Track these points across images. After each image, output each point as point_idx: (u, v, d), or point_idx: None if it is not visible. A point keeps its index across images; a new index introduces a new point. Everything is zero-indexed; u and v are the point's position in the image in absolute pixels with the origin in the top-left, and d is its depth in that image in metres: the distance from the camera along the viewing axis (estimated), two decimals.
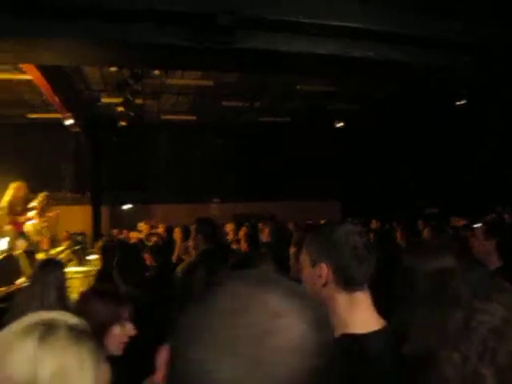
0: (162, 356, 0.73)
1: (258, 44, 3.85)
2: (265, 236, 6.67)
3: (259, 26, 3.79)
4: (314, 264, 1.70)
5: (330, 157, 16.48)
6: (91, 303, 1.97)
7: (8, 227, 9.82)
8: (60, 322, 1.19)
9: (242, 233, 7.19)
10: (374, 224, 11.00)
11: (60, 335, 1.16)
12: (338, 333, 1.61)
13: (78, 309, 1.75)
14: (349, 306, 1.64)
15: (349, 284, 1.66)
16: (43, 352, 1.12)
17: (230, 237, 8.85)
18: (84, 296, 2.14)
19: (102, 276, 4.44)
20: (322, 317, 0.66)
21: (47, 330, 1.15)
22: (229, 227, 9.44)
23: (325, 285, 1.66)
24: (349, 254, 1.66)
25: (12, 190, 9.75)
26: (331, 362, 0.61)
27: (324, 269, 1.66)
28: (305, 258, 1.76)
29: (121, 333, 2.07)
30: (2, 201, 9.72)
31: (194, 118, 14.97)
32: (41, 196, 10.93)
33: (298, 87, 11.89)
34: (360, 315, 1.64)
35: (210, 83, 11.46)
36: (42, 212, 10.87)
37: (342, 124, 15.11)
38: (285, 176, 16.20)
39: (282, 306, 0.62)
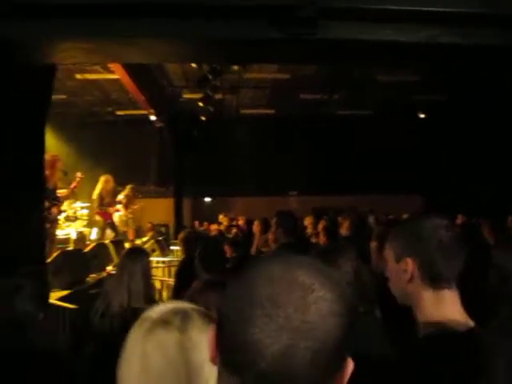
0: (210, 336, 0.78)
1: (341, 34, 3.75)
2: (344, 230, 6.55)
3: (343, 16, 3.69)
4: (398, 259, 1.65)
5: (412, 149, 15.89)
6: (206, 294, 2.01)
7: (97, 218, 10.42)
8: (191, 310, 1.20)
9: (320, 226, 7.11)
10: (460, 219, 10.48)
11: (199, 322, 1.17)
12: (423, 330, 1.55)
13: (193, 299, 1.79)
14: (435, 303, 1.58)
15: (435, 280, 1.59)
16: (192, 338, 1.13)
17: (309, 230, 8.78)
18: (197, 287, 2.19)
19: (184, 266, 4.58)
20: (343, 286, 0.77)
21: (185, 318, 1.16)
22: (308, 220, 9.37)
23: (410, 280, 1.61)
24: (435, 248, 1.58)
25: (101, 183, 10.33)
26: (354, 321, 0.75)
27: (409, 264, 1.61)
28: (389, 253, 1.71)
29: None
30: (93, 193, 10.31)
31: (272, 111, 15.02)
32: (127, 189, 11.50)
33: (378, 77, 11.56)
34: (447, 313, 1.56)
35: (287, 76, 11.44)
36: (128, 204, 11.45)
37: (425, 115, 14.51)
38: (364, 169, 15.86)
39: (312, 281, 0.72)
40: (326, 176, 16.21)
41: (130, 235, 11.98)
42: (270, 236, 4.89)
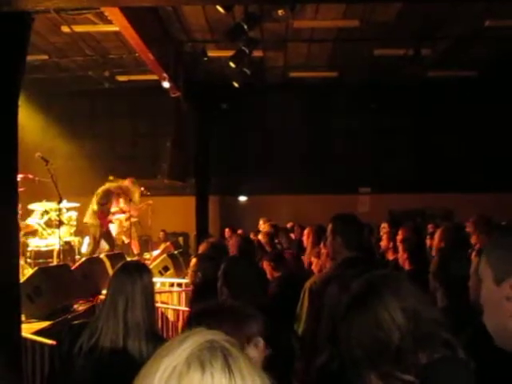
0: None
1: None
2: (435, 241, 6.45)
3: None
4: (499, 281, 1.62)
5: None
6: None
7: (94, 222, 10.67)
8: (227, 343, 1.24)
9: (399, 237, 7.02)
10: None
11: (243, 362, 1.21)
12: None
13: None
14: None
15: None
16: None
17: (384, 243, 8.72)
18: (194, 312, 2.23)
19: (203, 290, 4.61)
20: None
21: (227, 355, 1.20)
22: (383, 229, 9.32)
23: None
24: None
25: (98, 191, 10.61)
26: None
27: None
28: (485, 272, 1.68)
29: (256, 355, 2.16)
30: (93, 202, 10.59)
31: (334, 74, 14.94)
32: (127, 183, 11.70)
33: (486, 23, 11.30)
34: None
35: (356, 23, 11.32)
36: (127, 202, 11.67)
37: None
38: (465, 157, 15.55)
39: None
40: (410, 167, 15.99)
41: (135, 247, 12.20)
42: (323, 249, 4.86)
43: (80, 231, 11.05)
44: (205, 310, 2.44)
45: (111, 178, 11.25)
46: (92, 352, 3.00)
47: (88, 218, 10.88)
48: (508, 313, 1.59)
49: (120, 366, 2.79)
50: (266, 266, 6.54)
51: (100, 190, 10.69)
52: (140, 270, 3.30)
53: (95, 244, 10.47)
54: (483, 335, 1.69)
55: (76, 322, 3.49)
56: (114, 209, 11.30)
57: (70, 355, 3.03)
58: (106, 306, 3.18)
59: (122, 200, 11.59)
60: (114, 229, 11.59)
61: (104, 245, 10.62)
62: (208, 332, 1.29)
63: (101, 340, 3.02)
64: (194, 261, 5.16)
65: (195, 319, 2.28)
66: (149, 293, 3.20)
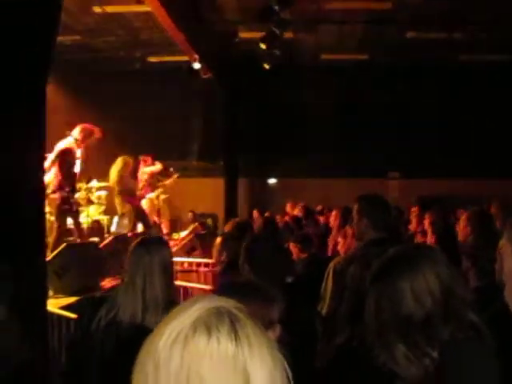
0: None
1: None
2: (461, 227, 6.32)
3: None
4: None
5: None
6: None
7: (126, 207, 10.68)
8: (235, 310, 1.23)
9: (427, 220, 6.94)
10: None
11: (251, 328, 1.20)
12: None
13: None
14: None
15: None
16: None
17: (413, 226, 8.67)
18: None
19: (228, 269, 4.57)
20: None
21: (234, 322, 1.18)
22: (413, 212, 9.26)
23: None
24: None
25: (119, 167, 10.51)
26: None
27: None
28: (506, 249, 1.62)
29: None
30: (111, 179, 10.55)
31: (365, 57, 14.80)
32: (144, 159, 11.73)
33: None
34: None
35: (389, 5, 11.17)
36: (151, 182, 11.71)
37: None
38: (497, 142, 15.28)
39: None
40: (441, 150, 15.78)
41: (165, 227, 12.26)
42: (349, 230, 4.79)
43: (110, 210, 11.10)
44: (231, 285, 2.40)
45: (140, 157, 11.27)
46: (110, 326, 2.99)
47: (118, 206, 10.85)
48: None
49: (138, 340, 2.77)
50: (292, 247, 6.52)
51: (116, 177, 10.57)
52: (158, 244, 3.28)
53: (132, 225, 10.47)
54: (504, 314, 1.63)
55: (96, 295, 3.49)
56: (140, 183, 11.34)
57: (89, 329, 3.03)
58: (124, 280, 3.17)
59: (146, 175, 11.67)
60: (146, 206, 11.62)
61: (139, 226, 10.66)
62: (216, 298, 1.27)
63: (119, 314, 3.01)
64: (218, 240, 5.14)
65: (220, 294, 2.25)
66: (167, 267, 3.18)
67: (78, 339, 3.30)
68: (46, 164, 8.70)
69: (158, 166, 12.17)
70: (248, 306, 1.45)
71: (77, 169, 9.14)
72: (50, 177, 8.66)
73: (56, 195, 8.63)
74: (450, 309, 1.99)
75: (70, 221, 9.04)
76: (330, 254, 6.91)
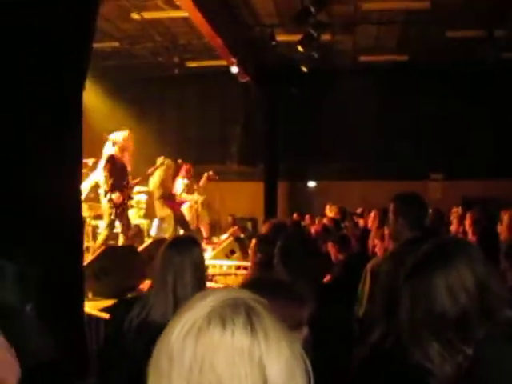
0: None
1: None
2: (504, 228, 6.20)
3: None
4: None
5: None
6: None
7: (166, 211, 10.76)
8: (253, 302, 1.22)
9: (468, 221, 6.82)
10: None
11: (269, 320, 1.19)
12: None
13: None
14: None
15: None
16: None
17: (454, 227, 8.56)
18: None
19: (262, 270, 4.56)
20: None
21: (251, 314, 1.17)
22: (454, 213, 9.15)
23: None
24: None
25: (161, 170, 10.60)
26: None
27: None
28: None
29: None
30: (152, 183, 10.65)
31: (405, 58, 14.67)
32: (185, 168, 11.78)
33: None
34: None
35: (427, 5, 11.05)
36: (189, 188, 11.76)
37: None
38: None
39: None
40: (486, 151, 15.53)
41: (205, 231, 12.30)
42: (386, 231, 4.72)
43: (149, 214, 11.19)
44: (260, 281, 2.35)
45: (179, 161, 11.34)
46: (142, 326, 2.98)
47: (158, 210, 10.94)
48: None
49: None
50: (330, 248, 6.48)
51: (158, 183, 10.66)
52: (189, 243, 3.27)
53: (173, 231, 10.54)
54: None
55: (128, 297, 3.50)
56: (179, 189, 11.44)
57: (121, 329, 3.03)
58: (156, 280, 3.17)
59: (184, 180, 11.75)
60: (185, 212, 11.70)
61: (180, 230, 10.73)
62: (233, 289, 1.27)
63: (151, 314, 3.00)
64: (253, 241, 5.12)
65: (248, 288, 2.21)
66: (198, 266, 3.16)
67: (111, 340, 3.29)
68: (99, 170, 9.00)
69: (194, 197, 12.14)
70: (275, 303, 1.43)
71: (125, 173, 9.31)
72: (102, 181, 8.88)
73: (106, 199, 8.83)
74: (486, 305, 1.94)
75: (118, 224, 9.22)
76: (369, 255, 6.84)
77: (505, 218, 6.49)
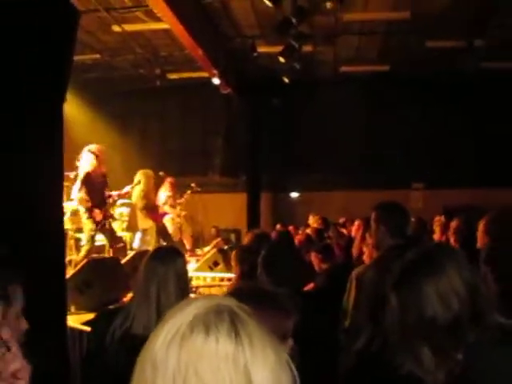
0: None
1: None
2: (479, 235, 6.22)
3: None
4: None
5: None
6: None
7: (149, 223, 10.70)
8: (237, 308, 1.21)
9: (451, 229, 6.86)
10: None
11: (253, 327, 1.18)
12: None
13: None
14: None
15: None
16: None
17: (437, 235, 8.60)
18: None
19: (245, 279, 4.56)
20: None
21: (235, 320, 1.16)
22: (437, 221, 9.19)
23: None
24: None
25: (142, 181, 10.53)
26: None
27: None
28: None
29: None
30: (134, 194, 10.59)
31: (386, 68, 14.74)
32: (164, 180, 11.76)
33: None
34: None
35: (407, 15, 11.12)
36: (172, 201, 11.73)
37: None
38: None
39: None
40: (467, 160, 15.64)
41: (188, 243, 12.25)
42: (369, 240, 4.74)
43: (132, 227, 11.13)
44: (246, 290, 2.31)
45: (161, 174, 11.32)
46: (125, 337, 2.96)
47: (140, 221, 10.87)
48: None
49: None
50: (313, 257, 6.49)
51: (141, 194, 10.60)
52: (172, 254, 3.26)
53: (155, 243, 10.46)
54: None
55: (110, 308, 3.47)
56: (161, 201, 11.41)
57: (103, 341, 3.00)
58: (138, 291, 3.15)
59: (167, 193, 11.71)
60: (168, 224, 11.65)
61: (162, 243, 10.66)
62: (217, 297, 1.25)
63: (134, 326, 2.98)
64: (236, 252, 5.13)
65: (233, 297, 2.17)
66: (182, 277, 3.16)
67: (92, 352, 3.26)
68: (75, 190, 8.93)
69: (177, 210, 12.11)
70: (261, 313, 1.42)
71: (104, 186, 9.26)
72: (80, 196, 8.81)
73: (86, 216, 8.79)
74: (477, 309, 1.95)
75: (100, 237, 9.16)
76: (353, 264, 6.85)
77: (480, 225, 6.53)
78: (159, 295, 3.01)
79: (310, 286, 5.63)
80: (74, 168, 8.93)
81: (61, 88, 5.26)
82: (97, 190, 8.93)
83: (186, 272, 3.28)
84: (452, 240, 6.71)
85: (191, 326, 1.13)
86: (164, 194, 11.75)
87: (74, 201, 9.05)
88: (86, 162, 8.98)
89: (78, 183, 8.84)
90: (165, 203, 11.66)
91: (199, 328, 1.12)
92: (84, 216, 8.85)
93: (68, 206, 9.13)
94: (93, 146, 9.12)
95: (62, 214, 5.59)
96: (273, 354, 1.14)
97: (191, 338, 1.12)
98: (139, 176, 10.43)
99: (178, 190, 12.09)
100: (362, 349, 2.74)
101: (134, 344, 2.92)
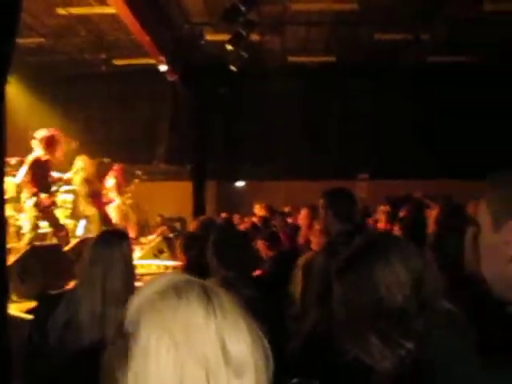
0: None
1: None
2: (431, 221, 6.31)
3: None
4: (497, 226, 1.51)
5: None
6: None
7: (92, 210, 10.51)
8: (202, 281, 1.21)
9: (381, 211, 6.98)
10: None
11: (225, 298, 1.18)
12: None
13: None
14: None
15: None
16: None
17: (382, 224, 8.68)
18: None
19: (193, 266, 4.53)
20: None
21: (205, 291, 1.16)
22: (381, 210, 9.26)
23: None
24: None
25: (83, 167, 10.36)
26: None
27: None
28: (484, 220, 1.57)
29: None
30: (75, 181, 10.39)
31: (332, 59, 14.83)
32: (116, 168, 11.61)
33: (486, 8, 11.13)
34: None
35: (355, 6, 11.20)
36: (119, 188, 11.59)
37: None
38: (468, 142, 15.39)
39: None
40: (411, 151, 15.87)
41: (132, 232, 12.09)
42: (317, 226, 4.77)
43: (75, 214, 10.92)
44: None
45: (107, 160, 11.15)
46: (69, 323, 2.89)
47: (83, 208, 10.70)
48: (506, 257, 1.48)
49: (98, 335, 2.70)
50: (260, 245, 6.51)
51: (82, 180, 10.41)
52: (118, 236, 3.20)
53: (99, 228, 10.30)
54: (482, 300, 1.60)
55: (52, 293, 3.38)
56: (109, 188, 11.28)
57: (45, 327, 2.92)
58: (83, 274, 3.07)
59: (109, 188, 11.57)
60: (112, 212, 11.48)
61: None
62: (186, 274, 1.24)
63: (78, 310, 2.91)
64: (180, 240, 5.10)
65: None
66: (128, 260, 3.11)
67: (34, 339, 3.15)
68: (20, 174, 8.74)
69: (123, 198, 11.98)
70: None
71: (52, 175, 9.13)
72: (23, 182, 8.65)
73: (29, 201, 8.60)
74: (423, 297, 1.94)
75: (44, 224, 8.96)
76: (299, 252, 6.88)
77: (433, 212, 6.63)
78: (105, 278, 2.95)
79: (257, 272, 5.63)
80: (16, 154, 8.74)
81: (2, 70, 5.10)
82: (45, 177, 8.77)
83: (131, 255, 3.23)
84: (397, 227, 6.78)
85: (162, 293, 1.13)
86: (112, 180, 11.59)
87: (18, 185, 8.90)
88: (35, 147, 8.86)
89: (24, 167, 8.68)
90: (112, 190, 11.51)
91: (170, 294, 1.12)
92: (28, 200, 8.66)
93: (9, 192, 8.91)
94: (42, 131, 8.95)
95: (2, 200, 5.42)
96: (246, 327, 1.14)
97: (163, 303, 1.11)
98: (79, 162, 10.26)
99: (125, 177, 11.96)
100: (310, 331, 2.75)
101: (79, 328, 2.86)
